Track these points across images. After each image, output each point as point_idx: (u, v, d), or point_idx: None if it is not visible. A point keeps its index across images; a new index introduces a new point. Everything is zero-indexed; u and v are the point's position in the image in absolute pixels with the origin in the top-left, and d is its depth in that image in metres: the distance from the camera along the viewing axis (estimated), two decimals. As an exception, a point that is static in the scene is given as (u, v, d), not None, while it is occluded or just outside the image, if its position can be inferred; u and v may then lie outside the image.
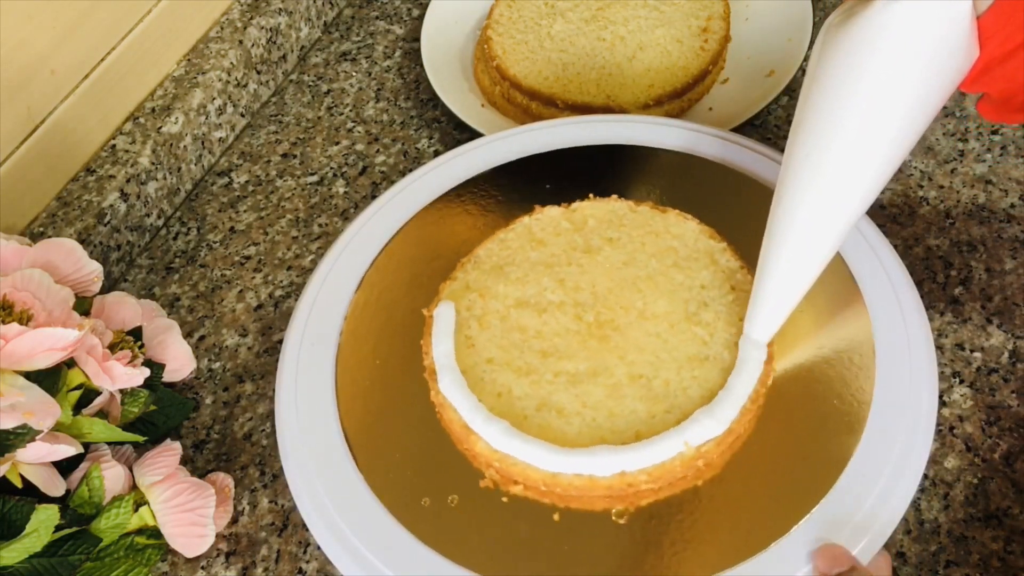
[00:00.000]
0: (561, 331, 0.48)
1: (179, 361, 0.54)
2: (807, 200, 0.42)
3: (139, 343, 0.51)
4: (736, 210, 0.54)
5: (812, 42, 0.66)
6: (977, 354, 0.52)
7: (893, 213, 0.59)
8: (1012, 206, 0.58)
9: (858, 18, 0.40)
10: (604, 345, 0.47)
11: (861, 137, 0.40)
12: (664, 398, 0.45)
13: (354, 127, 0.71)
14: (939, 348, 0.52)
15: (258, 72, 0.73)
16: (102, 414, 0.49)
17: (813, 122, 0.42)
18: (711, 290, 0.49)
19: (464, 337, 0.49)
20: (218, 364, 0.58)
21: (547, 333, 0.48)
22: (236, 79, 0.70)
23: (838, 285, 0.49)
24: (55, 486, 0.45)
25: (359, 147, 0.69)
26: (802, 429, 0.45)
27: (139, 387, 0.49)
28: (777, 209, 0.44)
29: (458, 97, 0.68)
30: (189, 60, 0.70)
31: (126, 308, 0.52)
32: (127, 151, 0.64)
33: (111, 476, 0.47)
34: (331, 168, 0.68)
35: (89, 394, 0.48)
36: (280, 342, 0.53)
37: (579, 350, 0.47)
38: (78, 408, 0.47)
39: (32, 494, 0.44)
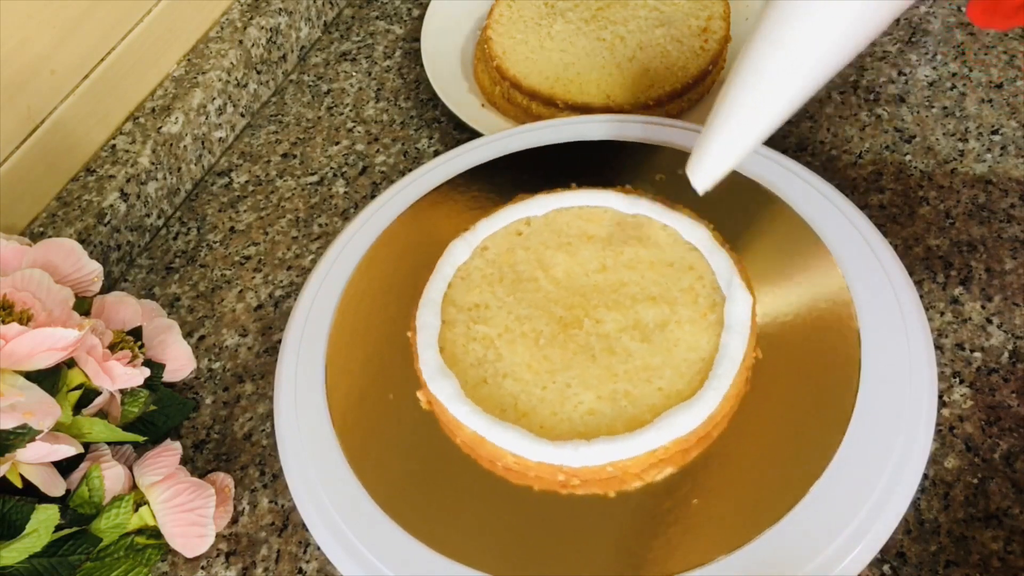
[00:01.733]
0: (560, 346, 0.48)
1: (179, 361, 0.54)
2: (766, 54, 0.41)
3: (139, 343, 0.51)
4: (735, 210, 0.54)
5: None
6: (977, 354, 0.52)
7: (893, 213, 0.59)
8: (1012, 206, 0.58)
9: None
10: (599, 359, 0.48)
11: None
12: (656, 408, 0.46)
13: (354, 127, 0.71)
14: (939, 348, 0.52)
15: (258, 72, 0.73)
16: (102, 414, 0.49)
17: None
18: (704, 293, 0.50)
19: (477, 383, 0.48)
20: (218, 364, 0.58)
21: (544, 346, 0.48)
22: (236, 79, 0.70)
23: (836, 285, 0.49)
24: (55, 486, 0.45)
25: (359, 147, 0.69)
26: (802, 429, 0.45)
27: (139, 387, 0.49)
28: (736, 65, 0.43)
29: (458, 97, 0.68)
30: (189, 60, 0.70)
31: (126, 308, 0.52)
32: (127, 151, 0.64)
33: (111, 476, 0.47)
34: (331, 168, 0.68)
35: (89, 394, 0.48)
36: (280, 342, 0.53)
37: (576, 362, 0.48)
38: (78, 408, 0.47)
39: (32, 494, 0.44)
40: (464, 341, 0.49)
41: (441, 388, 0.47)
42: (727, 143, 0.45)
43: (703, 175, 0.46)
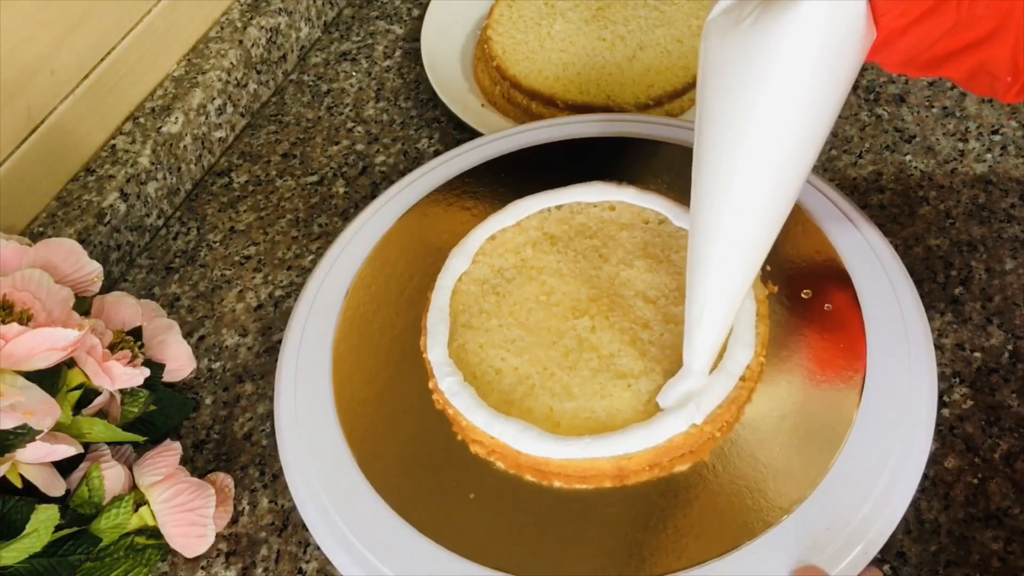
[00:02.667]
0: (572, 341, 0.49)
1: (179, 361, 0.54)
2: (723, 225, 0.41)
3: (139, 343, 0.51)
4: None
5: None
6: (977, 354, 0.52)
7: (893, 213, 0.59)
8: (1012, 206, 0.58)
9: (750, 25, 0.38)
10: (621, 320, 0.48)
11: (765, 151, 0.39)
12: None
13: (354, 127, 0.71)
14: (939, 348, 0.52)
15: (258, 72, 0.72)
16: (102, 414, 0.49)
17: (715, 140, 0.40)
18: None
19: (491, 392, 0.48)
20: (218, 364, 0.58)
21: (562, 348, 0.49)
22: (236, 79, 0.70)
23: (836, 285, 0.49)
24: (55, 486, 0.45)
25: (359, 147, 0.69)
26: (801, 428, 0.45)
27: (139, 387, 0.49)
28: (694, 239, 0.43)
29: (458, 97, 0.68)
30: (189, 60, 0.70)
31: (126, 308, 0.52)
32: (127, 151, 0.64)
33: (111, 476, 0.47)
34: (331, 168, 0.68)
35: (89, 394, 0.48)
36: (280, 342, 0.53)
37: (603, 339, 0.48)
38: (78, 408, 0.47)
39: (32, 494, 0.44)
40: (473, 337, 0.49)
41: (451, 387, 0.47)
42: (712, 330, 0.44)
43: (701, 359, 0.45)
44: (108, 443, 0.49)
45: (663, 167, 0.56)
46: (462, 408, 0.46)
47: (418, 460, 0.46)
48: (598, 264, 0.51)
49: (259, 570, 0.49)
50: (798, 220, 0.53)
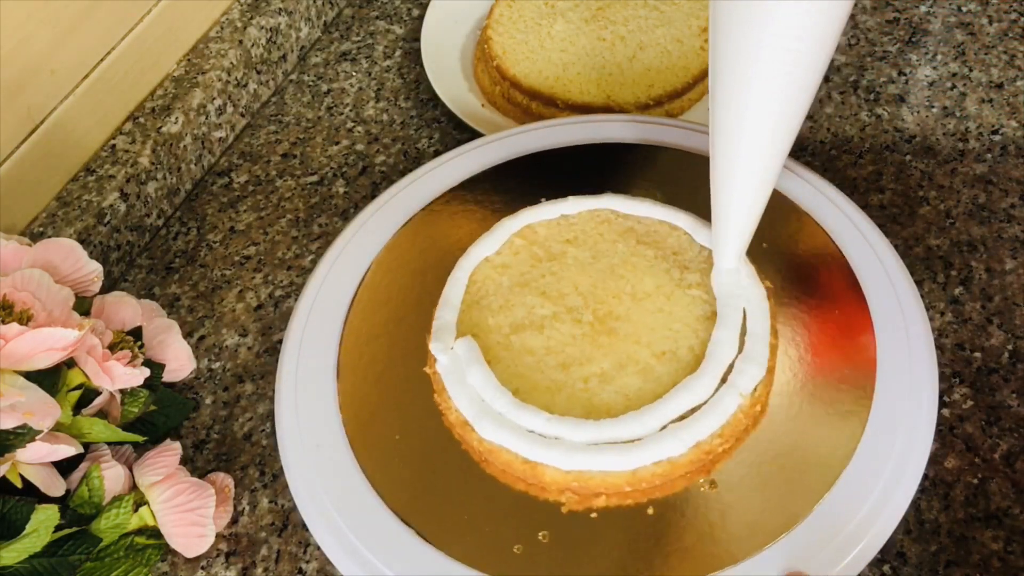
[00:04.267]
0: (568, 339, 0.48)
1: (179, 361, 0.54)
2: (745, 123, 0.42)
3: (139, 343, 0.51)
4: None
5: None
6: (977, 354, 0.52)
7: (893, 213, 0.59)
8: (1012, 206, 0.58)
9: None
10: (615, 337, 0.47)
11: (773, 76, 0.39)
12: (695, 363, 0.46)
13: (354, 127, 0.71)
14: (939, 348, 0.52)
15: (258, 72, 0.73)
16: (102, 414, 0.49)
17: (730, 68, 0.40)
18: (684, 252, 0.50)
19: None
20: (218, 364, 0.58)
21: (556, 346, 0.48)
22: (236, 79, 0.70)
23: (838, 284, 0.49)
24: (55, 486, 0.45)
25: (359, 147, 0.69)
26: (801, 428, 0.45)
27: (139, 387, 0.49)
28: (716, 140, 0.44)
29: (458, 97, 0.68)
30: (189, 60, 0.70)
31: (126, 308, 0.52)
32: (127, 151, 0.64)
33: (111, 476, 0.47)
34: (331, 168, 0.68)
35: (89, 394, 0.48)
36: (280, 342, 0.53)
37: (595, 350, 0.47)
38: (78, 408, 0.47)
39: (32, 494, 0.44)
40: (484, 335, 0.49)
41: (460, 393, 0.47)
42: (738, 227, 0.46)
43: (731, 258, 0.48)
44: (108, 443, 0.49)
45: (666, 168, 0.56)
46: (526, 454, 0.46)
47: (420, 461, 0.46)
48: (593, 271, 0.51)
49: (259, 570, 0.49)
50: (798, 220, 0.53)
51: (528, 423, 0.45)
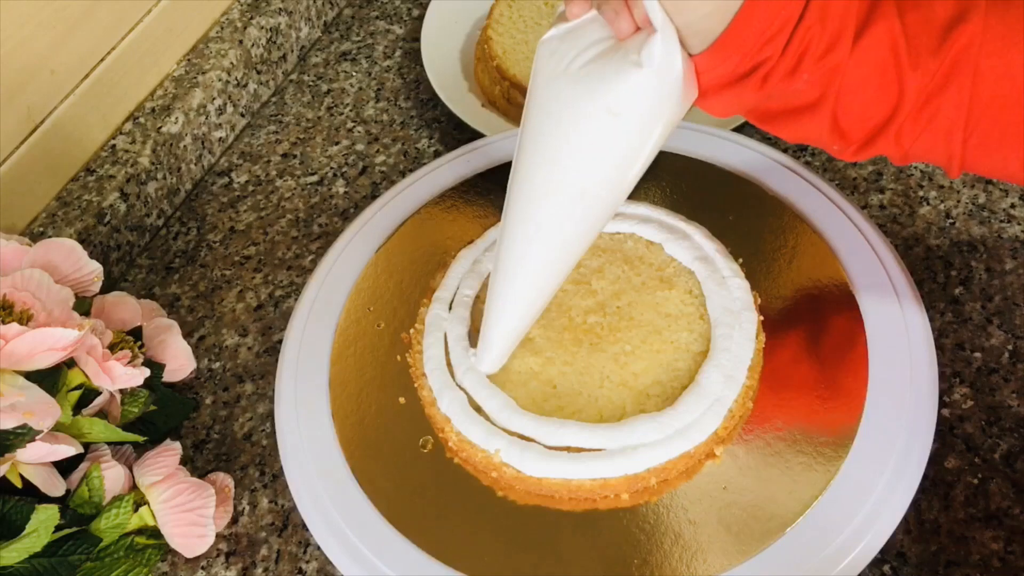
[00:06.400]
0: (558, 345, 0.48)
1: (179, 361, 0.54)
2: (529, 252, 0.44)
3: (139, 343, 0.51)
4: (735, 210, 0.54)
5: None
6: (977, 354, 0.52)
7: (893, 213, 0.59)
8: (1012, 206, 0.58)
9: (579, 72, 0.40)
10: (602, 352, 0.48)
11: (576, 194, 0.42)
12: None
13: (354, 127, 0.71)
14: (939, 348, 0.52)
15: (258, 72, 0.72)
16: (102, 414, 0.49)
17: (532, 172, 0.42)
18: (666, 267, 0.51)
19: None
20: (218, 364, 0.58)
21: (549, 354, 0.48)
22: (236, 79, 0.70)
23: (837, 286, 0.49)
24: (55, 486, 0.45)
25: (359, 147, 0.69)
26: (802, 428, 0.45)
27: (139, 387, 0.49)
28: (501, 253, 0.45)
29: (458, 97, 0.68)
30: (189, 60, 0.70)
31: (126, 308, 0.52)
32: (127, 151, 0.64)
33: (111, 476, 0.46)
34: (331, 168, 0.68)
35: (89, 394, 0.48)
36: (280, 342, 0.52)
37: (588, 358, 0.48)
38: (78, 408, 0.47)
39: (32, 494, 0.44)
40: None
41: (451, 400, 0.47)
42: (504, 340, 0.47)
43: (490, 365, 0.47)
44: (108, 443, 0.49)
45: (666, 169, 0.56)
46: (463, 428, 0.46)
47: (415, 464, 0.46)
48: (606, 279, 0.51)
49: (259, 570, 0.49)
50: (799, 219, 0.53)
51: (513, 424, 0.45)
